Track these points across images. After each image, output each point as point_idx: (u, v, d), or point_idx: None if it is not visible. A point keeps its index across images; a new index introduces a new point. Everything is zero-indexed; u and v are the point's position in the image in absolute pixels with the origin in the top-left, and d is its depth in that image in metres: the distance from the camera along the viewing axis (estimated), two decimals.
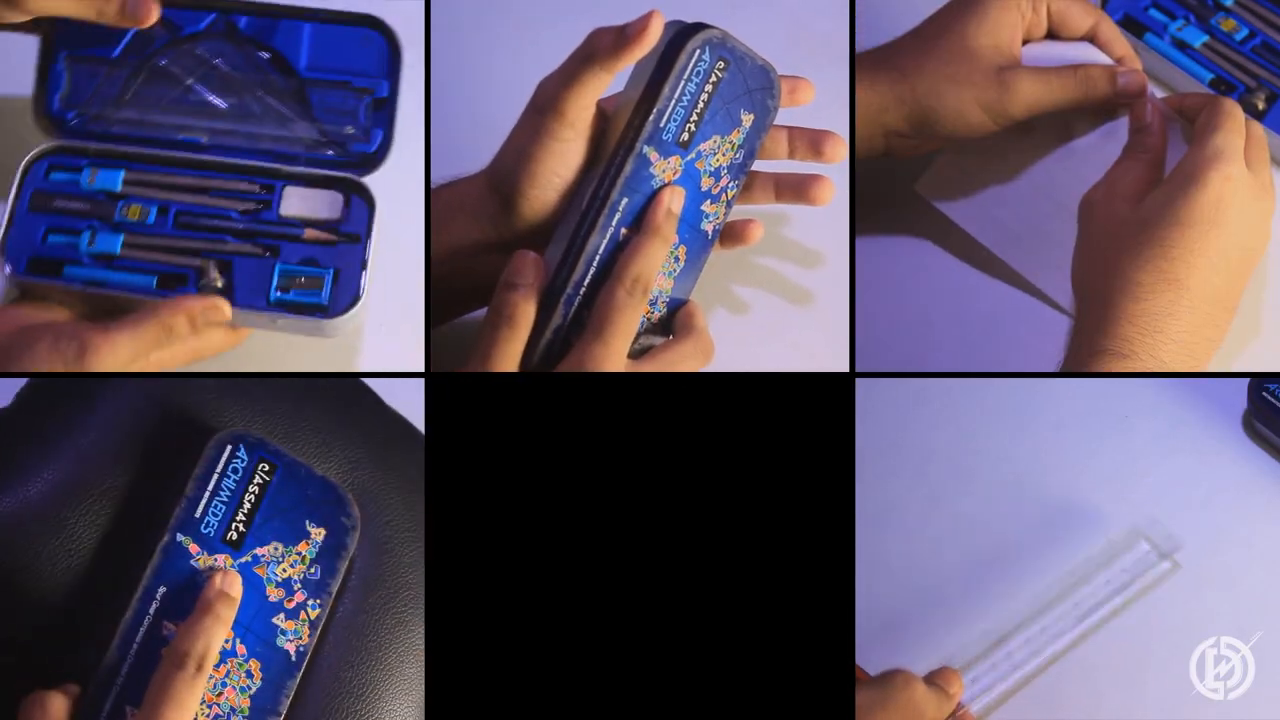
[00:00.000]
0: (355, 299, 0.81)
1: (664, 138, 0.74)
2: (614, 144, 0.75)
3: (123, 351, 0.76)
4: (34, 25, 0.83)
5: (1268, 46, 0.92)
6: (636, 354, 0.76)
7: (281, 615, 0.67)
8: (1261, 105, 0.90)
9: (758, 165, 0.79)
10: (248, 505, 0.67)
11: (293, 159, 0.85)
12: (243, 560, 0.67)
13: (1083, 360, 0.77)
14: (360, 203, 0.84)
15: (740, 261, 0.91)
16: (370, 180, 0.84)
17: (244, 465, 0.68)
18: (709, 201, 0.77)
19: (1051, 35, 0.86)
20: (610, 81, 0.75)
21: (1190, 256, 0.76)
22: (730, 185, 0.77)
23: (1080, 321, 0.79)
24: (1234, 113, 0.79)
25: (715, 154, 0.76)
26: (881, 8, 0.94)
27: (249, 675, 0.66)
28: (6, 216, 0.82)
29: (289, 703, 0.66)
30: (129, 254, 0.82)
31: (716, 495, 0.98)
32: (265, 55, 0.85)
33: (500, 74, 0.96)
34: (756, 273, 0.91)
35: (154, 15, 0.81)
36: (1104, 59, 0.85)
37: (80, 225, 0.82)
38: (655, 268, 0.74)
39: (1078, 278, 0.80)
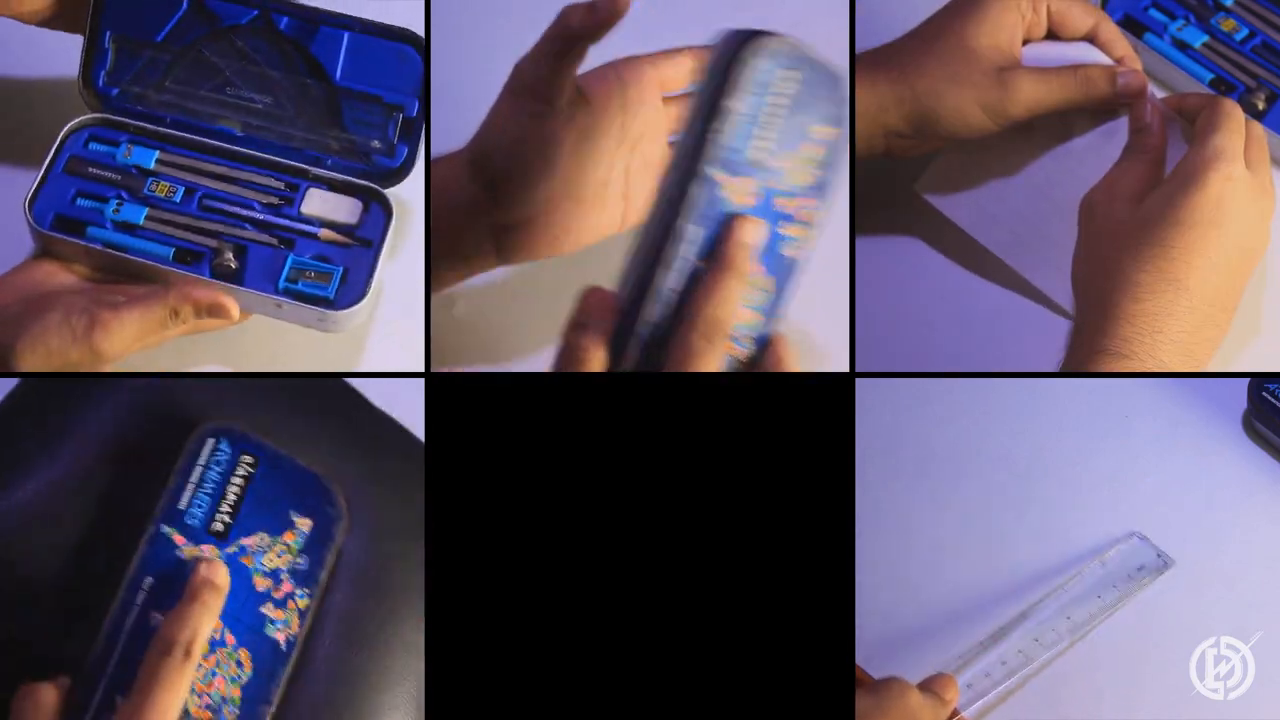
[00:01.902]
0: (359, 297, 0.81)
1: (733, 157, 0.66)
2: (673, 166, 0.67)
3: (130, 330, 0.78)
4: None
5: (1268, 46, 0.92)
6: None
7: (270, 604, 0.67)
8: (1261, 105, 0.90)
9: None
10: (232, 496, 0.68)
11: (319, 162, 0.86)
12: (229, 550, 0.67)
13: (1082, 360, 0.77)
14: (378, 210, 0.85)
15: None
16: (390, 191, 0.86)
17: (226, 458, 0.68)
18: (787, 224, 0.69)
19: (1051, 35, 0.86)
20: (584, 57, 0.75)
21: (1190, 256, 0.76)
22: (814, 205, 0.69)
23: (1080, 322, 0.79)
24: (1234, 113, 0.79)
25: (790, 173, 0.68)
26: (881, 8, 0.94)
27: (239, 665, 0.66)
28: (40, 175, 0.84)
29: (280, 692, 0.67)
30: (151, 226, 0.84)
31: (716, 496, 0.98)
32: (302, 59, 0.86)
33: (500, 74, 0.95)
34: None
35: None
36: (1104, 59, 0.84)
37: (109, 194, 0.84)
38: (733, 308, 0.67)
39: (1078, 278, 0.80)
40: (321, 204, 0.85)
